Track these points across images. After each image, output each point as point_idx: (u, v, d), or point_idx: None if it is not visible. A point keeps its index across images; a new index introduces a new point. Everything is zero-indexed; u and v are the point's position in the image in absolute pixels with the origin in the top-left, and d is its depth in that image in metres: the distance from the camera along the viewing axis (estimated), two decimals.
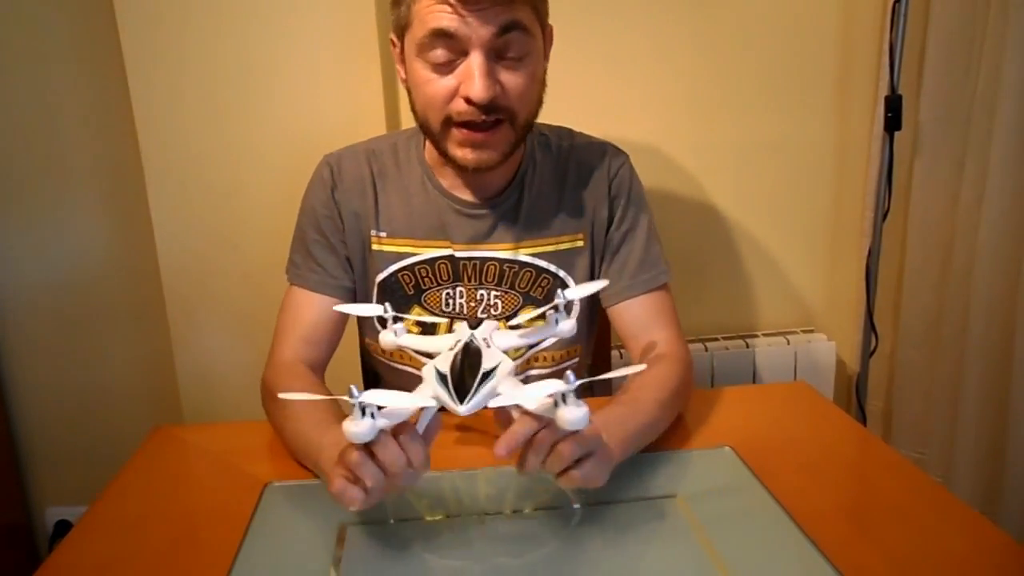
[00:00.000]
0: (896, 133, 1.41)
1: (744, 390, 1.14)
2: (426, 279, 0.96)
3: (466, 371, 0.66)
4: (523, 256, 0.95)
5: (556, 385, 0.63)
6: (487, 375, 0.65)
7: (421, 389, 0.66)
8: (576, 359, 1.03)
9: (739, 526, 0.73)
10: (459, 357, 0.67)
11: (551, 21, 0.89)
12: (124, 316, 1.48)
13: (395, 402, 0.63)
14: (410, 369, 1.00)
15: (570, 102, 1.34)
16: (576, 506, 0.76)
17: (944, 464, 1.45)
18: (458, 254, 0.95)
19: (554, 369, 1.01)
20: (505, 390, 0.65)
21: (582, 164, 0.98)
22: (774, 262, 1.56)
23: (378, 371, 1.08)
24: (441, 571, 0.69)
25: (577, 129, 1.03)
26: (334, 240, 0.96)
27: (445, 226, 0.95)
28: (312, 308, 0.95)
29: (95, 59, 1.36)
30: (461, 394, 0.64)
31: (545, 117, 0.92)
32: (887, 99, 1.39)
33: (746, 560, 0.67)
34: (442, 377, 0.65)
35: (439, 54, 0.80)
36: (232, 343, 1.40)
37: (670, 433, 0.91)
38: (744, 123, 1.47)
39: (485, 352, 0.68)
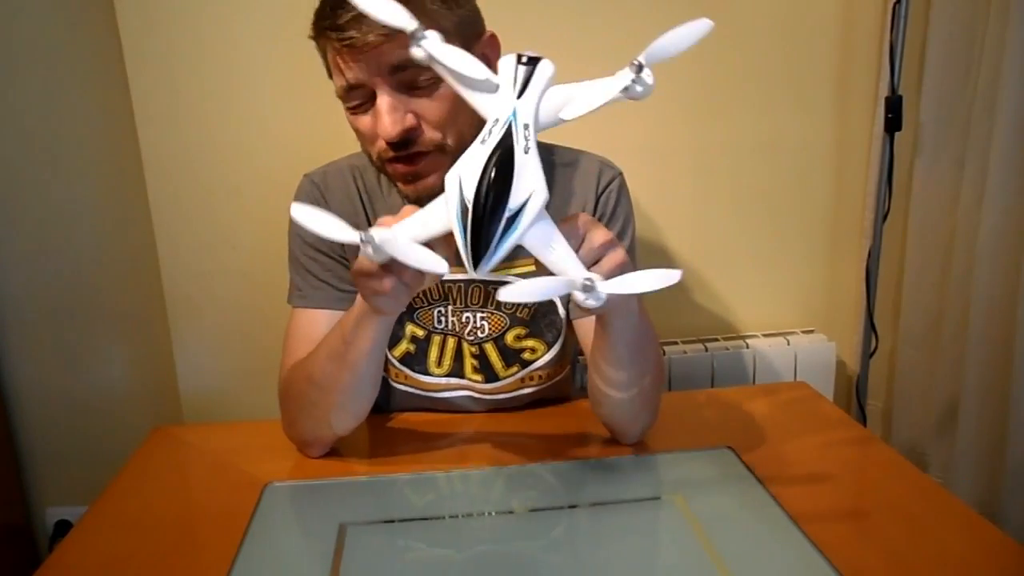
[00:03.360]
0: (896, 133, 1.41)
1: (744, 390, 1.14)
2: (417, 298, 0.95)
3: (489, 208, 0.58)
4: (508, 277, 0.93)
5: (575, 269, 0.61)
6: (513, 219, 0.58)
7: (435, 212, 0.61)
8: (566, 369, 1.03)
9: (739, 526, 0.73)
10: (488, 178, 0.58)
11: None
12: (124, 316, 1.48)
13: (407, 256, 0.61)
14: (410, 389, 1.00)
15: None
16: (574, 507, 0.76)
17: (944, 464, 1.45)
18: (445, 276, 0.93)
19: (546, 385, 1.00)
20: (531, 241, 0.60)
21: (570, 181, 0.95)
22: (774, 262, 1.56)
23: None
24: (441, 571, 0.69)
25: (574, 129, 1.01)
26: (333, 253, 0.93)
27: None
28: (322, 326, 0.89)
29: (96, 59, 1.36)
30: (476, 250, 0.58)
31: None
32: (887, 99, 1.39)
33: (746, 560, 0.67)
34: (463, 209, 0.58)
35: (354, 101, 0.81)
36: (232, 343, 1.40)
37: (670, 433, 0.91)
38: (744, 123, 1.47)
39: (519, 167, 0.59)
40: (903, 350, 1.52)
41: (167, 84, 1.29)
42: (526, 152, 0.59)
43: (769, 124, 1.47)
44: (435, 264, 0.61)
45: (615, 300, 0.63)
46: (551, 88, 0.62)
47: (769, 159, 1.49)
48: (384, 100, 0.78)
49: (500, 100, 0.61)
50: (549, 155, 0.97)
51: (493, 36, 0.87)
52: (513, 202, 0.58)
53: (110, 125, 1.38)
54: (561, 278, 0.61)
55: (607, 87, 0.60)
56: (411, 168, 0.81)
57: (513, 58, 0.62)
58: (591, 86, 0.62)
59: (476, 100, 0.62)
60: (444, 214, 0.60)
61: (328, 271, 0.93)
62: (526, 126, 0.60)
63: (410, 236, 0.62)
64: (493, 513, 0.76)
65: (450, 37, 0.79)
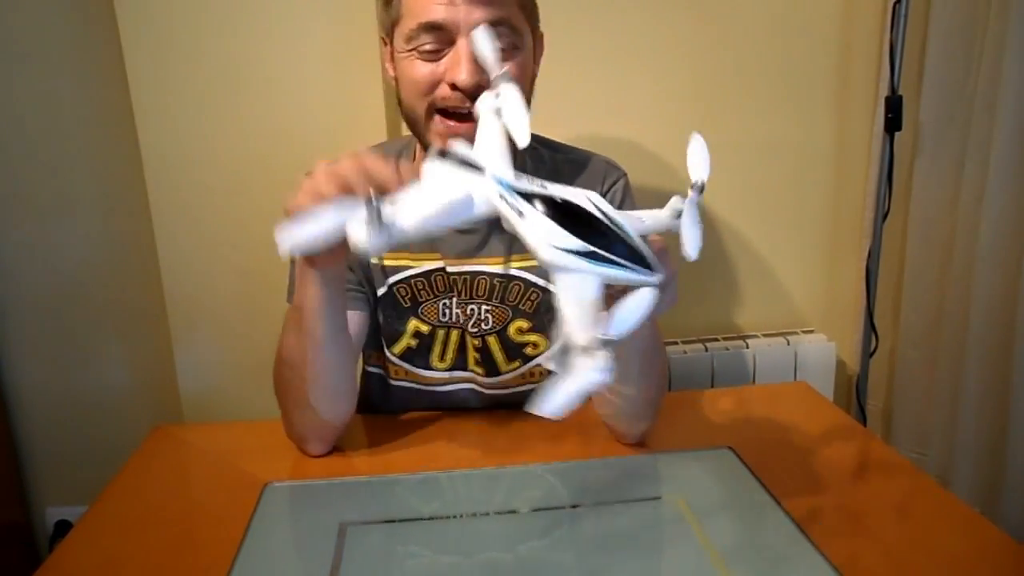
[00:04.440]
0: (896, 133, 1.41)
1: (744, 390, 1.15)
2: (422, 291, 0.95)
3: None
4: (513, 270, 0.94)
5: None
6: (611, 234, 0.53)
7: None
8: None
9: (739, 526, 0.73)
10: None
11: (545, 27, 0.88)
12: (124, 316, 1.48)
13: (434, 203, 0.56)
14: (410, 384, 0.99)
15: (567, 102, 1.35)
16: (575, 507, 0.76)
17: (944, 464, 1.45)
18: (450, 268, 0.94)
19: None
20: (564, 288, 0.54)
21: (575, 179, 0.96)
22: (774, 262, 1.56)
23: (371, 385, 1.04)
24: (441, 571, 0.69)
25: (575, 129, 1.02)
26: None
27: (435, 240, 0.93)
28: None
29: (95, 59, 1.35)
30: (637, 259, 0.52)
31: (541, 119, 0.90)
32: (887, 99, 1.39)
33: (746, 560, 0.68)
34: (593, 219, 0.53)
35: (427, 43, 0.80)
36: (232, 343, 1.40)
37: (670, 433, 0.91)
38: (744, 123, 1.47)
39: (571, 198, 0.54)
40: (903, 350, 1.52)
41: (167, 83, 1.29)
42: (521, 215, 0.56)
43: (769, 124, 1.47)
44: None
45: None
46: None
47: (769, 159, 1.49)
48: (467, 46, 0.78)
49: (480, 185, 0.57)
50: (555, 153, 0.98)
51: (542, 36, 0.89)
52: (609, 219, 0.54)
53: (110, 124, 1.38)
54: (579, 372, 0.50)
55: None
56: (465, 126, 0.81)
57: (434, 155, 0.59)
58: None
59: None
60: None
61: None
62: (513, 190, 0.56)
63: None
64: (494, 513, 0.76)
65: (530, 22, 0.84)
